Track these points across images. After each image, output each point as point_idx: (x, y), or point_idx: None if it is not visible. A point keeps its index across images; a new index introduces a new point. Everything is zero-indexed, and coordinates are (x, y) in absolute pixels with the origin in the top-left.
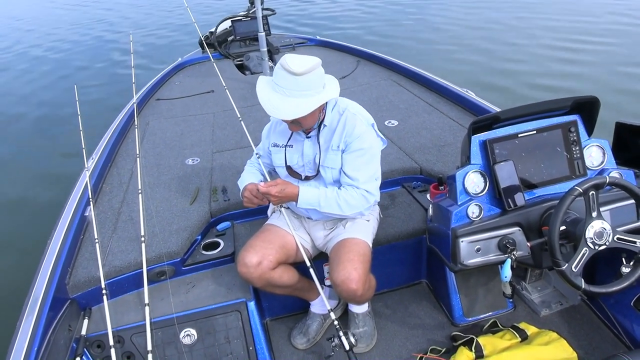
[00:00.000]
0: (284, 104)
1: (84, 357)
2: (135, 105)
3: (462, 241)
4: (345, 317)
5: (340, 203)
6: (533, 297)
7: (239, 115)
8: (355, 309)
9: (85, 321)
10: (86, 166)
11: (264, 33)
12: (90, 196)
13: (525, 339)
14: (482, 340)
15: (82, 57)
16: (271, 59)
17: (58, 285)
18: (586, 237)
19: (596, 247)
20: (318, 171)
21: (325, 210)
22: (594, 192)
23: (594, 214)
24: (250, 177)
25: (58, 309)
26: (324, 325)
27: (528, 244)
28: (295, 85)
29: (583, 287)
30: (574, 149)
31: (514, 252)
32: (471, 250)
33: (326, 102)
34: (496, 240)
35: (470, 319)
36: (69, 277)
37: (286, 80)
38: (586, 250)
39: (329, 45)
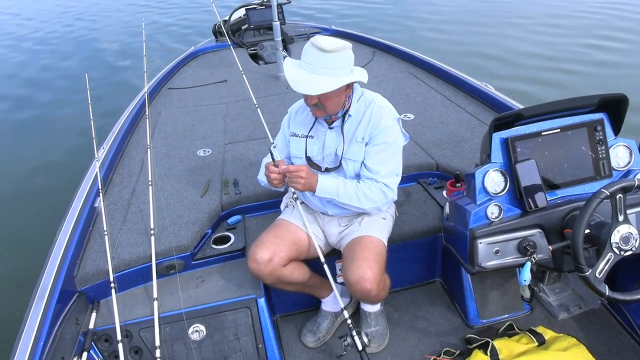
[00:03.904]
0: (309, 80)
1: (91, 351)
2: (146, 94)
3: (480, 242)
4: (356, 315)
5: (359, 195)
6: (551, 299)
7: (255, 103)
8: (368, 307)
9: (93, 315)
10: (96, 156)
11: (278, 22)
12: (100, 187)
13: (543, 343)
14: (498, 343)
15: (94, 44)
16: (285, 48)
17: (66, 278)
18: (612, 241)
19: (622, 253)
20: (340, 163)
21: (343, 201)
22: (621, 195)
23: (621, 218)
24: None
25: (66, 302)
26: (335, 324)
27: (550, 247)
28: (324, 62)
29: (607, 294)
30: (599, 148)
31: (534, 255)
32: (489, 252)
33: (352, 92)
34: (516, 242)
35: (485, 320)
36: (77, 270)
37: (315, 57)
38: (611, 255)
39: (344, 35)
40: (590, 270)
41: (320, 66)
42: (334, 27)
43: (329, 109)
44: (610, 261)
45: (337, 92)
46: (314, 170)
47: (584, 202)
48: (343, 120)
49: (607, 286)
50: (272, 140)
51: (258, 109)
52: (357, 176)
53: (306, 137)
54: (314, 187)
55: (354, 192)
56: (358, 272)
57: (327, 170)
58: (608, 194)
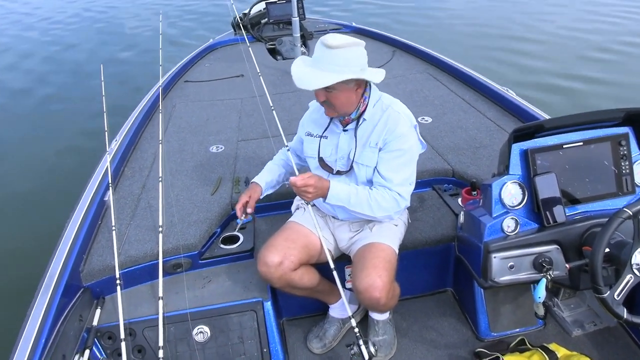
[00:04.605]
0: (310, 75)
1: (94, 348)
2: (160, 89)
3: (494, 257)
4: (364, 322)
5: (372, 203)
6: (565, 315)
7: (271, 104)
8: (376, 315)
9: (98, 311)
10: (107, 149)
11: (298, 18)
12: (110, 181)
13: None
14: (508, 359)
15: (111, 35)
16: (304, 44)
17: (72, 273)
18: (632, 262)
19: None
20: (351, 167)
21: (354, 209)
22: None
23: None
24: (266, 174)
25: (70, 297)
26: (342, 331)
27: (567, 265)
28: (328, 58)
29: (625, 317)
30: (623, 164)
31: (550, 272)
32: (504, 267)
33: (369, 94)
34: (531, 258)
35: (496, 334)
36: (84, 265)
37: (321, 52)
38: (631, 277)
39: (364, 32)
40: (609, 291)
41: (325, 62)
42: (354, 24)
43: (338, 107)
44: (630, 283)
45: (344, 89)
46: (324, 172)
47: (605, 221)
48: (357, 124)
49: (625, 309)
50: (286, 143)
51: (274, 111)
52: (369, 182)
53: (320, 137)
54: (325, 194)
55: (365, 200)
56: (367, 280)
57: (338, 172)
58: (631, 213)
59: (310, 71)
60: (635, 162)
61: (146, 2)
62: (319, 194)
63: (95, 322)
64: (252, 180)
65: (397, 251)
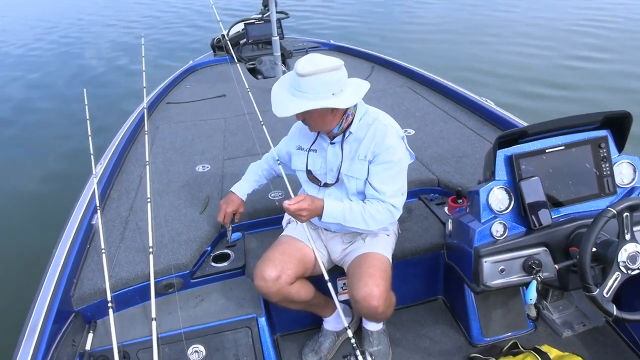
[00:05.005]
0: (283, 101)
1: None
2: (145, 110)
3: (485, 261)
4: (358, 334)
5: (366, 217)
6: (554, 317)
7: (261, 119)
8: (370, 326)
9: (90, 335)
10: (94, 172)
11: (277, 37)
12: (97, 204)
13: None
14: None
15: (92, 56)
16: (284, 62)
17: (63, 298)
18: (619, 260)
19: (629, 272)
20: (338, 179)
21: (350, 225)
22: (628, 214)
23: (628, 237)
24: (246, 183)
25: (62, 323)
26: (337, 343)
27: (555, 266)
28: (298, 85)
29: (615, 314)
30: (603, 165)
31: (540, 274)
32: (494, 271)
33: (353, 111)
34: (521, 261)
35: (488, 339)
36: (74, 289)
37: (293, 79)
38: (618, 274)
39: (343, 50)
40: (598, 289)
41: (297, 89)
42: (332, 42)
43: (315, 126)
44: (618, 280)
45: (317, 112)
46: (313, 185)
47: (591, 221)
48: (343, 137)
49: (614, 305)
50: (277, 158)
51: (264, 126)
52: (360, 194)
53: (309, 150)
54: (320, 214)
55: (360, 215)
56: (365, 290)
57: (326, 185)
58: (615, 212)
59: (285, 97)
60: (615, 163)
61: (128, 24)
62: (313, 214)
63: (88, 347)
64: (234, 191)
65: (390, 260)
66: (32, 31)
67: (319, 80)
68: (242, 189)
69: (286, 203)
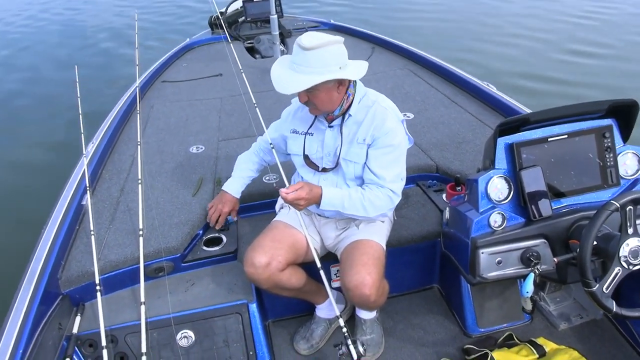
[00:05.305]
0: (287, 78)
1: (74, 356)
2: (138, 89)
3: (482, 252)
4: (350, 322)
5: (366, 204)
6: (551, 309)
7: (254, 101)
8: (363, 314)
9: (77, 318)
10: (84, 152)
11: (276, 15)
12: (87, 184)
13: (543, 355)
14: (497, 355)
15: (84, 33)
16: (283, 42)
17: (50, 279)
18: (620, 255)
19: (631, 267)
20: (337, 163)
21: (349, 212)
22: (631, 207)
23: (630, 231)
24: (239, 180)
25: (49, 305)
26: (329, 331)
27: (554, 258)
28: (305, 60)
29: (614, 310)
30: (607, 156)
31: (538, 266)
32: (491, 263)
33: (354, 90)
34: (519, 253)
35: (483, 329)
36: (62, 271)
37: (297, 55)
38: (619, 269)
39: (343, 29)
40: (598, 285)
41: (301, 64)
42: (333, 22)
43: (320, 106)
44: (618, 275)
45: (324, 88)
46: (310, 169)
47: (593, 214)
48: (342, 120)
49: (614, 302)
50: (270, 141)
51: (257, 109)
52: (358, 178)
53: (305, 134)
54: (318, 202)
55: (359, 202)
56: (357, 278)
57: (324, 170)
58: (618, 206)
59: (289, 74)
60: (619, 153)
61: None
62: (311, 203)
63: (75, 330)
64: (227, 191)
65: (384, 248)
66: (24, 7)
67: (327, 52)
68: (234, 187)
69: (283, 191)
